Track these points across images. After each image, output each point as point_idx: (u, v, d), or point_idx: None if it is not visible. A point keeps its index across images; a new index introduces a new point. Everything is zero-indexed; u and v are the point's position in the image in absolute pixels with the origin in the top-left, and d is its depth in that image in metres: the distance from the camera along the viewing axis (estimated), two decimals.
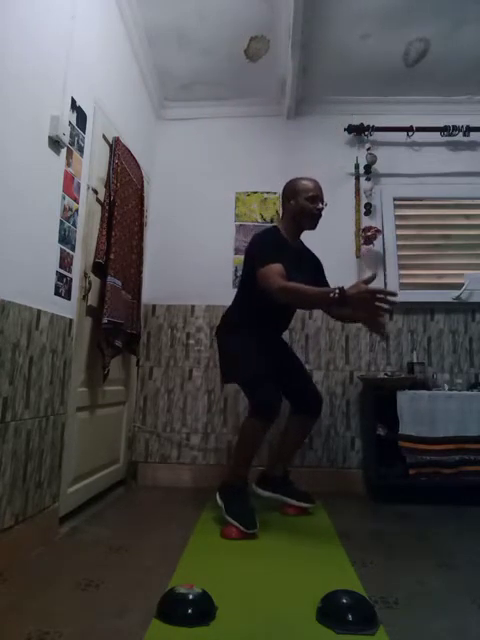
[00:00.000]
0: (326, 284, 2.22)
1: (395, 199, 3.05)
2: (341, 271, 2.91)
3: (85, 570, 1.48)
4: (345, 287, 1.65)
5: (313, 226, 2.13)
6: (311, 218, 2.09)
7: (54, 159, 1.79)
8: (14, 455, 1.53)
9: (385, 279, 2.93)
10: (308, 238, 2.27)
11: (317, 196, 2.08)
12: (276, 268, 1.84)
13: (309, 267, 2.19)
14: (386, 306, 1.61)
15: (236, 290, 2.25)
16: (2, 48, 1.45)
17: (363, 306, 1.64)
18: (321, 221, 2.12)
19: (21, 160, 1.57)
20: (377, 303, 1.61)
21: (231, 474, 2.01)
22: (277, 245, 2.00)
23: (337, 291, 1.64)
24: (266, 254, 1.91)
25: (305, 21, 2.38)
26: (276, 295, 1.81)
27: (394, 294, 1.66)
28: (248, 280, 2.07)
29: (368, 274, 1.78)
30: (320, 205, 2.08)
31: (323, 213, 2.14)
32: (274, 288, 1.80)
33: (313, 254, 2.31)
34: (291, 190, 2.12)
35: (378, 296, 1.61)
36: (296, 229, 2.15)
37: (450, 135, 3.03)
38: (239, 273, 2.98)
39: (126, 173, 2.41)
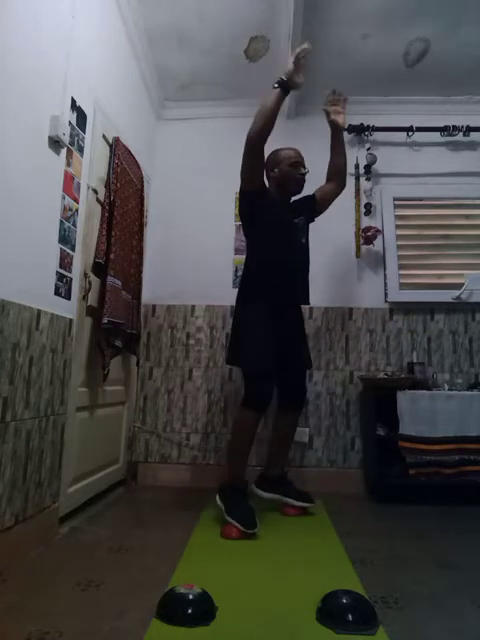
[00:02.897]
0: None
1: (395, 199, 3.05)
2: (341, 271, 2.94)
3: (85, 570, 1.48)
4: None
5: (299, 190, 2.26)
6: (296, 182, 2.22)
7: (54, 159, 1.79)
8: (14, 455, 1.53)
9: (385, 279, 2.93)
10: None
11: (299, 162, 2.22)
12: None
13: (305, 210, 2.29)
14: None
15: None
16: (2, 48, 1.45)
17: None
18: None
19: (21, 160, 1.57)
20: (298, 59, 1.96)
21: (230, 474, 2.03)
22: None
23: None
24: None
25: (305, 21, 2.38)
26: (253, 130, 2.10)
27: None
28: (249, 239, 2.24)
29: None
30: (303, 170, 2.22)
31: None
32: (249, 133, 2.11)
33: (304, 197, 2.36)
34: (273, 160, 2.23)
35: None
36: (282, 195, 2.26)
37: (450, 135, 3.03)
38: (239, 273, 2.99)
39: (126, 173, 2.41)
